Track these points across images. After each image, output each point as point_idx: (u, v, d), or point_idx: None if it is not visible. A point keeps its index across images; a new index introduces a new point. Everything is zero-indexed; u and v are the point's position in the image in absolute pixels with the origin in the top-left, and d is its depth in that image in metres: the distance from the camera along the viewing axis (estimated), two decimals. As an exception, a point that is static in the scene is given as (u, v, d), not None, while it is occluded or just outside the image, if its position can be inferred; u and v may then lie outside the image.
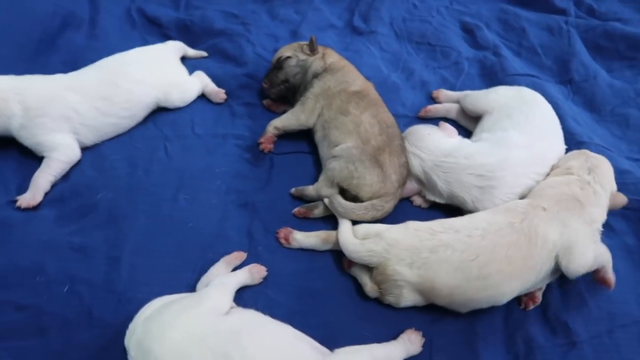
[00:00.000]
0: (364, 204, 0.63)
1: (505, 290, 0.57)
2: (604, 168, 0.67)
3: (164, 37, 0.84)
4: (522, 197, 0.65)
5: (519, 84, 0.81)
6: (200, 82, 0.75)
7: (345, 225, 0.60)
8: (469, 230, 0.58)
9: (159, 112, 0.73)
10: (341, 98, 0.67)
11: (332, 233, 0.61)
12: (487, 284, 0.56)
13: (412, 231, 0.58)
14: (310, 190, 0.65)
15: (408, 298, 0.57)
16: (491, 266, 0.56)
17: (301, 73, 0.72)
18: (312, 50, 0.73)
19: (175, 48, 0.75)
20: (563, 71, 0.89)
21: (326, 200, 0.63)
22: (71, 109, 0.65)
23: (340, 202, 0.63)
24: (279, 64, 0.73)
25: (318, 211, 0.65)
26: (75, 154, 0.65)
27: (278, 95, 0.74)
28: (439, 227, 0.58)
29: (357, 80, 0.68)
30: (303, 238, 0.62)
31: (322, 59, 0.73)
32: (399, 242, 0.57)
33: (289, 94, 0.74)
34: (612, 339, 0.58)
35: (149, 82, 0.70)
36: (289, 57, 0.73)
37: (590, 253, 0.58)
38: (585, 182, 0.63)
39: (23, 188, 0.63)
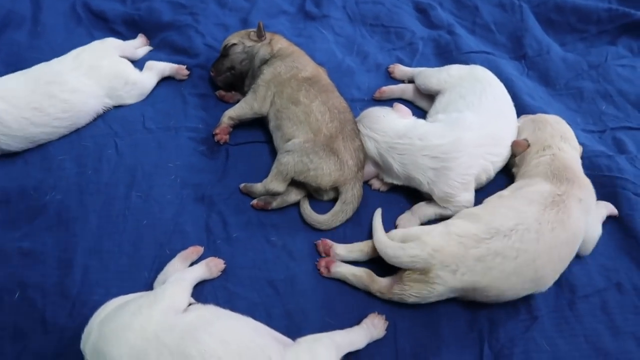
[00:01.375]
0: (331, 212, 0.63)
1: (551, 281, 0.58)
2: (568, 129, 0.68)
3: (111, 32, 0.81)
4: (478, 179, 0.65)
5: (473, 61, 0.81)
6: (154, 74, 0.73)
7: (379, 228, 0.58)
8: (519, 233, 0.56)
9: (110, 111, 0.70)
10: (292, 85, 0.66)
11: (368, 244, 0.60)
12: (540, 281, 0.57)
13: (455, 237, 0.56)
14: (258, 187, 0.64)
15: (437, 297, 0.56)
16: (547, 267, 0.56)
17: (247, 59, 0.71)
18: (260, 36, 0.71)
19: (114, 46, 0.71)
20: (517, 47, 0.89)
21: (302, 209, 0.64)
22: None
23: (310, 216, 0.63)
24: (225, 52, 0.72)
25: (276, 203, 0.64)
26: None
27: (225, 83, 0.73)
28: (485, 233, 0.56)
29: (307, 66, 0.67)
30: (346, 253, 0.60)
31: (270, 45, 0.71)
32: (443, 248, 0.55)
33: (237, 82, 0.73)
34: (574, 311, 0.59)
35: (89, 91, 0.66)
36: (234, 44, 0.71)
37: (599, 228, 0.63)
38: (567, 151, 0.65)
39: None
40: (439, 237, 0.56)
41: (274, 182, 0.63)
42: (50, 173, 0.63)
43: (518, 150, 0.68)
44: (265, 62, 0.70)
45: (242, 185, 0.65)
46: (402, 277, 0.56)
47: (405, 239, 0.58)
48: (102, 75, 0.67)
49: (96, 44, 0.69)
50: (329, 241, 0.61)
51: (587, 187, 0.63)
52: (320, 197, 0.64)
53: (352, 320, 0.56)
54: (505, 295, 0.57)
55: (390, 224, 0.62)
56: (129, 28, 0.81)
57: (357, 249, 0.60)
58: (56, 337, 0.52)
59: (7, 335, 0.52)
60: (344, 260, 0.60)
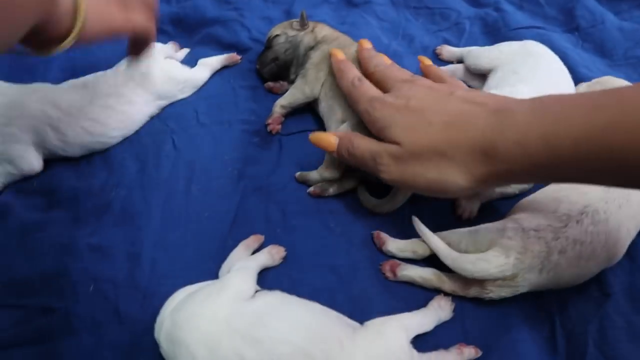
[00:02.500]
0: (389, 195, 0.61)
1: (621, 255, 0.55)
2: None
3: (160, 32, 0.83)
4: None
5: (524, 37, 0.79)
6: (207, 69, 0.74)
7: (438, 243, 0.55)
8: (590, 216, 0.53)
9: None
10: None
11: (421, 245, 0.57)
12: (612, 258, 0.54)
13: (532, 234, 0.52)
14: (314, 175, 0.64)
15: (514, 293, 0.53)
16: (618, 244, 0.54)
17: (291, 49, 0.71)
18: (302, 25, 0.71)
19: (157, 50, 0.71)
20: (568, 19, 0.86)
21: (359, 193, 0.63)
22: (47, 125, 0.62)
23: (368, 200, 0.62)
24: (269, 44, 0.72)
25: (333, 189, 0.64)
26: (31, 168, 0.64)
27: (270, 74, 0.73)
28: (558, 222, 0.53)
29: (351, 51, 0.66)
30: (396, 252, 0.58)
31: (313, 33, 0.71)
32: (527, 250, 0.51)
33: (282, 72, 0.73)
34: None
35: (144, 100, 0.68)
36: (277, 35, 0.71)
37: None
38: None
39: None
40: (518, 237, 0.52)
41: (328, 170, 0.62)
42: (113, 172, 0.65)
43: None
44: (311, 48, 0.70)
45: (297, 174, 0.65)
46: (482, 283, 0.53)
47: (452, 243, 0.54)
48: (153, 82, 0.68)
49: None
50: (383, 235, 0.59)
51: None
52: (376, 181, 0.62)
53: (418, 303, 0.55)
54: (579, 280, 0.54)
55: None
56: (176, 27, 0.83)
57: (410, 249, 0.58)
58: (130, 327, 0.54)
59: (85, 327, 0.54)
60: (395, 257, 0.58)
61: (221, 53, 0.77)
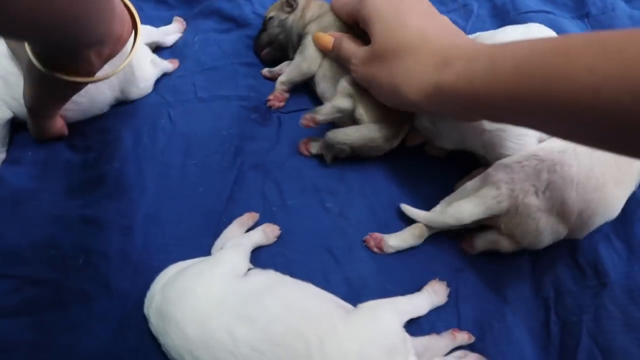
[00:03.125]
0: (359, 129, 0.60)
1: (616, 200, 0.55)
2: None
3: (160, 3, 0.81)
4: (539, 140, 0.62)
5: (532, 21, 0.76)
6: (156, 69, 0.69)
7: (422, 214, 0.57)
8: (572, 146, 0.54)
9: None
10: (337, 26, 0.65)
11: (422, 226, 0.57)
12: (604, 195, 0.54)
13: (516, 165, 0.54)
14: (326, 107, 0.61)
15: (547, 231, 0.53)
16: (605, 175, 0.53)
17: (283, 32, 0.69)
18: (290, 5, 0.69)
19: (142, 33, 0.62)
20: (579, 5, 0.84)
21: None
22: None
23: (341, 130, 0.61)
24: (264, 26, 0.70)
25: (316, 144, 0.63)
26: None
27: (268, 58, 0.71)
28: (541, 152, 0.54)
29: (340, 23, 0.65)
30: (399, 243, 0.57)
31: (302, 14, 0.68)
32: (514, 177, 0.53)
33: (281, 54, 0.71)
34: (645, 276, 0.56)
35: (107, 86, 0.64)
36: (271, 18, 0.69)
37: None
38: None
39: None
40: (502, 172, 0.53)
41: (339, 99, 0.61)
42: (108, 144, 0.64)
43: None
44: (303, 28, 0.67)
45: (303, 118, 0.61)
46: (501, 230, 0.54)
47: (449, 211, 0.54)
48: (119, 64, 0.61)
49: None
50: (378, 235, 0.58)
51: None
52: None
53: (413, 286, 0.55)
54: (583, 215, 0.53)
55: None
56: (177, -3, 0.81)
57: (409, 235, 0.57)
58: (120, 301, 0.53)
59: (75, 299, 0.53)
60: (399, 250, 0.57)
61: (222, 26, 0.75)
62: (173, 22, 0.76)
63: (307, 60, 0.66)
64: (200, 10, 0.77)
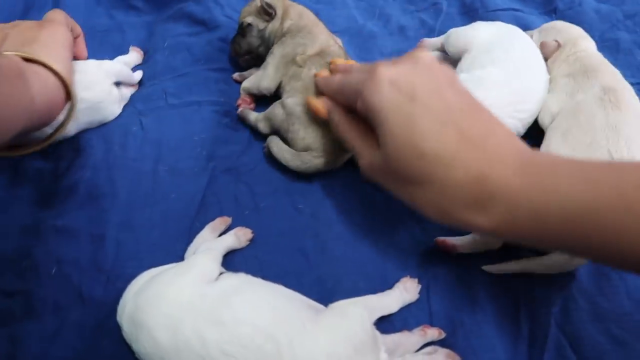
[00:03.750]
0: (293, 152, 0.62)
1: None
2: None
3: (130, 8, 0.81)
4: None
5: (500, 19, 0.78)
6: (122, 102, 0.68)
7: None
8: None
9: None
10: (297, 63, 0.64)
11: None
12: None
13: None
14: (252, 118, 0.66)
15: None
16: None
17: (263, 44, 0.68)
18: (268, 14, 0.67)
19: (110, 72, 0.65)
20: (546, 1, 0.86)
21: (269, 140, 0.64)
22: None
23: (277, 144, 0.63)
24: (242, 31, 0.69)
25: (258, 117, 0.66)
26: None
27: (247, 64, 0.71)
28: None
29: (315, 43, 0.65)
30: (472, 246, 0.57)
31: (281, 24, 0.67)
32: None
33: (258, 61, 0.70)
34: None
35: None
36: (249, 25, 0.68)
37: None
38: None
39: None
40: None
41: (261, 122, 0.65)
42: (79, 153, 0.64)
43: (548, 53, 0.69)
44: (279, 38, 0.67)
45: (240, 110, 0.67)
46: None
47: None
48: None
49: (93, 65, 0.63)
50: (449, 240, 0.57)
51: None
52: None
53: (385, 284, 0.55)
54: None
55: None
56: (147, 2, 0.80)
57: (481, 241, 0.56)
58: (94, 310, 0.53)
59: (47, 309, 0.53)
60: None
61: (192, 30, 0.76)
62: (130, 51, 0.73)
63: (265, 80, 0.66)
64: (170, 15, 0.77)
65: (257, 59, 0.70)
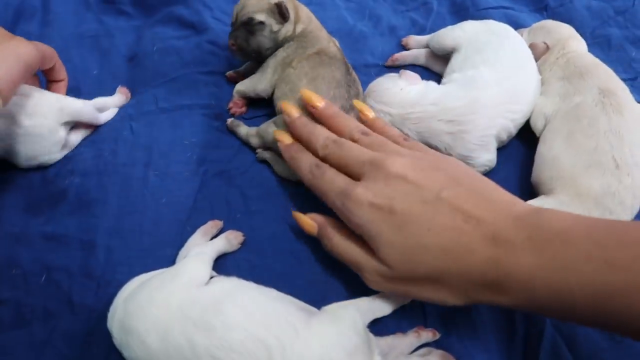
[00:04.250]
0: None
1: None
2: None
3: (120, 13, 0.81)
4: (498, 138, 0.62)
5: (491, 17, 0.77)
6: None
7: None
8: None
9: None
10: (292, 66, 0.63)
11: None
12: None
13: None
14: (242, 131, 0.65)
15: None
16: None
17: (272, 48, 0.65)
18: (283, 17, 0.63)
19: (63, 110, 0.61)
20: (538, -2, 0.86)
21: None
22: None
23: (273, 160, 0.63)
24: (251, 28, 0.63)
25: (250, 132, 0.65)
26: None
27: (246, 61, 0.69)
28: None
29: (315, 46, 0.63)
30: None
31: (294, 28, 0.64)
32: None
33: (258, 62, 0.68)
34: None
35: None
36: (261, 23, 0.63)
37: None
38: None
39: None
40: None
41: (253, 137, 0.64)
42: (68, 158, 0.63)
43: (537, 54, 0.68)
44: (288, 41, 0.65)
45: (229, 121, 0.66)
46: None
47: None
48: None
49: (47, 98, 0.60)
50: None
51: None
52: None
53: (378, 287, 0.55)
54: None
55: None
56: (136, 7, 0.80)
57: None
58: (84, 317, 0.52)
59: (37, 317, 0.52)
60: None
61: (181, 33, 0.75)
62: (116, 92, 0.69)
63: (263, 82, 0.65)
64: (158, 19, 0.77)
65: (258, 62, 0.67)
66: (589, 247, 0.37)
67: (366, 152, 0.49)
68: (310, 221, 0.53)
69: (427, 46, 0.76)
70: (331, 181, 0.50)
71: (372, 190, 0.46)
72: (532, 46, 0.69)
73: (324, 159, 0.52)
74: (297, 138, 0.55)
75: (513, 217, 0.42)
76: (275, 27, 0.63)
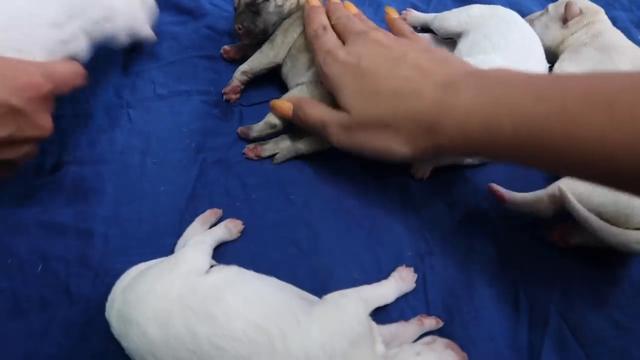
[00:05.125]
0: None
1: None
2: None
3: None
4: None
5: (494, 2, 0.76)
6: None
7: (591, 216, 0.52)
8: None
9: (118, 78, 0.69)
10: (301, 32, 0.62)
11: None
12: None
13: None
14: (256, 128, 0.62)
15: None
16: None
17: (278, 21, 0.64)
18: None
19: None
20: (541, -17, 0.84)
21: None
22: None
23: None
24: (255, 8, 0.62)
25: (268, 148, 0.62)
26: None
27: (253, 42, 0.66)
28: None
29: None
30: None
31: (297, 4, 0.65)
32: None
33: (263, 41, 0.66)
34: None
35: None
36: (266, 1, 0.62)
37: None
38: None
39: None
40: None
41: (271, 115, 0.61)
42: (65, 147, 0.62)
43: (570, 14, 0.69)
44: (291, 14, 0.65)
45: (239, 129, 0.64)
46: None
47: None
48: None
49: None
50: (502, 190, 0.57)
51: None
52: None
53: (380, 274, 0.54)
54: None
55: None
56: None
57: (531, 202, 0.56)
58: (82, 307, 0.52)
59: (34, 307, 0.52)
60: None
61: (178, 19, 0.74)
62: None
63: (275, 48, 0.64)
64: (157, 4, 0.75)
65: (264, 40, 0.66)
66: (526, 86, 0.41)
67: (363, 27, 0.56)
68: (286, 102, 0.58)
69: (424, 25, 0.76)
70: (326, 41, 0.56)
71: (348, 50, 0.53)
72: (568, 5, 0.69)
73: (333, 27, 0.58)
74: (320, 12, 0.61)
75: (466, 71, 0.47)
76: (280, 0, 0.64)
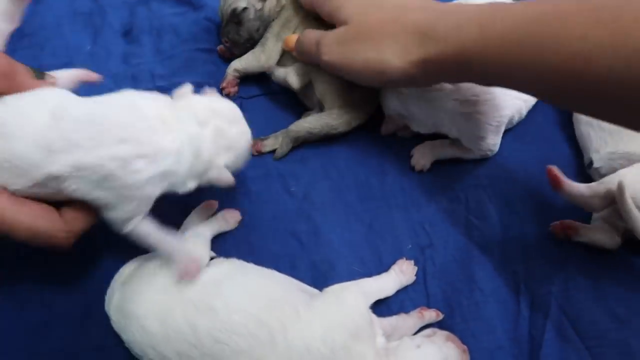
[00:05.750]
0: (321, 118, 0.60)
1: None
2: None
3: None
4: (509, 119, 0.61)
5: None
6: None
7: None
8: None
9: (117, 69, 0.68)
10: (304, 24, 0.61)
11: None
12: None
13: None
14: (279, 73, 0.63)
15: None
16: None
17: (262, 26, 0.64)
18: None
19: None
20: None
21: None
22: None
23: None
24: (237, 18, 0.63)
25: (269, 143, 0.62)
26: None
27: (243, 52, 0.67)
28: None
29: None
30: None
31: (277, 3, 0.64)
32: None
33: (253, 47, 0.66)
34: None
35: None
36: (245, 9, 0.62)
37: None
38: None
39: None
40: None
41: (291, 75, 0.62)
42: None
43: None
44: (276, 15, 0.64)
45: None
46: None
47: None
48: None
49: None
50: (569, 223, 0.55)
51: None
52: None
53: (380, 267, 0.54)
54: None
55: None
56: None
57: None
58: (81, 300, 0.52)
59: (34, 301, 0.52)
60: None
61: (177, 10, 0.73)
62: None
63: (265, 53, 0.63)
64: (154, -3, 0.75)
65: (253, 46, 0.66)
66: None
67: None
68: (294, 37, 0.60)
69: None
70: None
71: None
72: None
73: None
74: None
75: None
76: (258, 4, 0.63)
